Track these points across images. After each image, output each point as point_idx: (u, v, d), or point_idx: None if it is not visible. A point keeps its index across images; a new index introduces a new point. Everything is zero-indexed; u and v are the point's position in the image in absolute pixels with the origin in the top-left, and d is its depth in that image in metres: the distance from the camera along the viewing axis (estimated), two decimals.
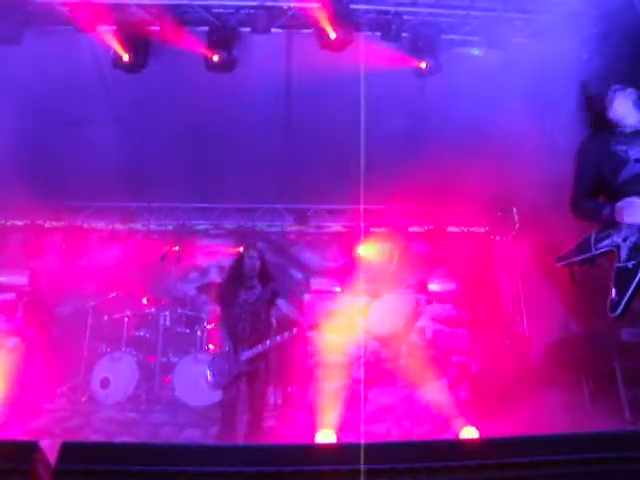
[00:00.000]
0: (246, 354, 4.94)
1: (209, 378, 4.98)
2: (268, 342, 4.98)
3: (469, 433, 6.72)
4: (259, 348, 4.95)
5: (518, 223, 8.74)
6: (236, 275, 5.29)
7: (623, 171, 3.30)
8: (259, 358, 5.01)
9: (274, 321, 5.32)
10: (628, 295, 3.06)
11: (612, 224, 3.25)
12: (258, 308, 5.13)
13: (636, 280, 3.06)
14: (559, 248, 3.60)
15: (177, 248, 8.40)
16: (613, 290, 3.14)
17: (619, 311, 3.09)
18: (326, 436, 6.47)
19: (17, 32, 5.42)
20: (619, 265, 3.17)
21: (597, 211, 3.35)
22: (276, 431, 6.67)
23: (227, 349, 5.03)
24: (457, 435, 6.96)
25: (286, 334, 5.01)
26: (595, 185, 3.46)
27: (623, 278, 3.12)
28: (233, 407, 4.89)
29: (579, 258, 3.43)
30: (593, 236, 3.36)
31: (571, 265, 3.50)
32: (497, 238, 9.08)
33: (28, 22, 5.48)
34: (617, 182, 3.32)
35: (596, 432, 2.07)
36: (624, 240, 3.18)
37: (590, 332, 6.21)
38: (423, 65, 5.77)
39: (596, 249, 3.32)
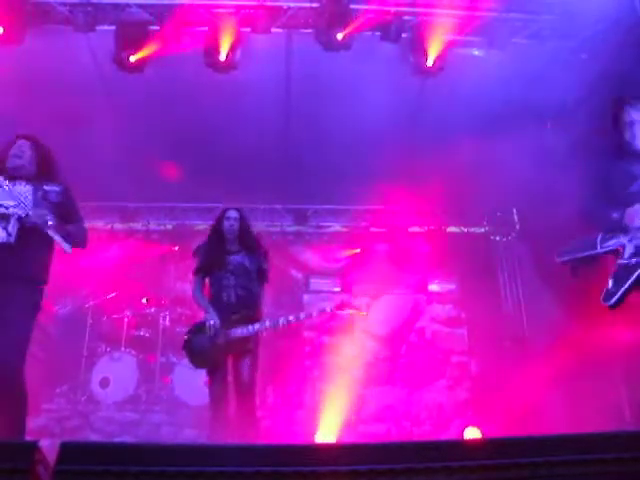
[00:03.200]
0: (239, 331, 4.47)
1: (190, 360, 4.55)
2: (268, 322, 4.51)
3: (472, 434, 6.72)
4: (256, 327, 4.47)
5: (518, 224, 8.74)
6: (217, 237, 4.85)
7: (633, 185, 3.35)
8: (250, 338, 4.54)
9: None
10: (624, 288, 3.14)
11: (620, 228, 3.30)
12: (246, 277, 4.67)
13: (635, 275, 3.13)
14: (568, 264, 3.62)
15: (176, 248, 8.41)
16: (610, 281, 3.22)
17: (613, 302, 3.17)
18: (325, 436, 6.47)
19: (18, 32, 5.42)
20: (620, 261, 3.24)
21: (605, 214, 3.39)
22: (275, 431, 6.67)
23: (209, 324, 4.49)
24: (458, 435, 6.96)
25: (302, 315, 4.61)
26: (602, 196, 3.50)
27: (622, 272, 3.20)
28: (223, 405, 4.49)
29: (583, 255, 3.47)
30: (600, 236, 3.40)
31: (573, 262, 3.53)
32: (497, 238, 9.08)
33: (28, 22, 5.48)
34: (626, 194, 3.36)
35: (596, 432, 2.07)
36: (630, 240, 3.25)
37: (590, 332, 6.21)
38: (430, 63, 5.74)
39: (602, 247, 3.37)
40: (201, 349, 4.52)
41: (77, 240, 3.77)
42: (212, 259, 4.75)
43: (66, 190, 3.76)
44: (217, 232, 4.88)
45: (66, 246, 3.52)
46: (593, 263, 3.48)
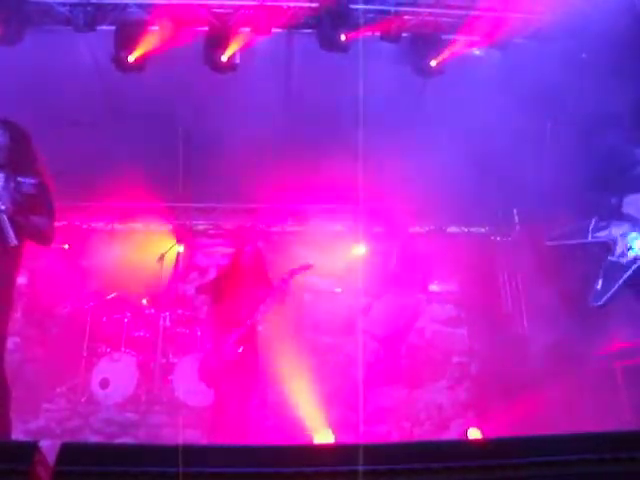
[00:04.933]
0: (232, 336, 4.79)
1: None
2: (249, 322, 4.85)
3: (473, 435, 6.72)
4: (243, 328, 4.81)
5: (518, 224, 8.74)
6: (230, 269, 5.21)
7: (633, 170, 3.30)
8: (247, 346, 4.86)
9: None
10: (614, 289, 3.08)
11: (616, 215, 3.25)
12: (249, 306, 4.97)
13: (625, 276, 3.08)
14: (558, 248, 3.59)
15: (177, 248, 8.41)
16: (600, 281, 3.16)
17: (601, 302, 3.11)
18: (325, 437, 6.47)
19: (17, 32, 5.42)
20: (611, 259, 3.18)
21: (602, 199, 3.34)
22: (276, 431, 6.67)
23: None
24: (458, 435, 6.97)
25: (268, 300, 4.89)
26: (600, 178, 3.46)
27: (612, 272, 3.14)
28: (224, 408, 4.73)
29: (573, 242, 3.44)
30: (592, 224, 3.35)
31: (562, 247, 3.50)
32: (497, 239, 9.08)
33: (28, 22, 5.48)
34: (625, 179, 3.31)
35: (596, 432, 2.07)
36: (622, 236, 3.19)
37: (590, 332, 6.21)
38: (430, 63, 5.74)
39: (593, 237, 3.33)
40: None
41: (38, 234, 3.55)
42: (222, 293, 5.09)
43: (41, 184, 3.58)
44: (231, 267, 5.29)
45: (11, 237, 3.31)
46: (582, 251, 3.44)
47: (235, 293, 4.98)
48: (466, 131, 6.12)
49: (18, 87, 5.74)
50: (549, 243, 3.55)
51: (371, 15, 5.72)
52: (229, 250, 8.58)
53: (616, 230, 3.25)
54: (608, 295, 3.12)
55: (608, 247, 3.25)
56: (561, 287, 6.03)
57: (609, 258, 3.20)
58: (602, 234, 3.32)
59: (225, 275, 5.25)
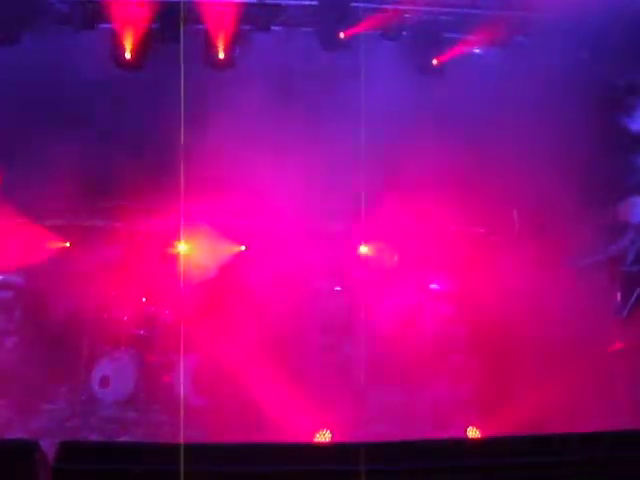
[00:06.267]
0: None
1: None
2: None
3: (473, 434, 6.72)
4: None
5: (518, 224, 8.73)
6: (226, 272, 5.27)
7: (629, 177, 3.32)
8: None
9: None
10: (633, 299, 3.09)
11: (618, 227, 3.28)
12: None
13: None
14: (558, 249, 3.60)
15: (177, 247, 8.41)
16: (618, 294, 3.17)
17: (624, 314, 3.13)
18: (324, 436, 6.47)
19: (17, 32, 5.42)
20: (624, 269, 3.20)
21: (601, 215, 3.38)
22: (277, 431, 6.67)
23: None
24: (458, 435, 6.96)
25: None
26: (596, 194, 3.49)
27: (628, 282, 3.16)
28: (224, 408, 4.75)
29: (590, 260, 3.45)
30: (602, 239, 3.37)
31: (578, 268, 3.51)
32: (497, 239, 9.06)
33: (28, 22, 5.49)
34: (622, 187, 3.34)
35: (596, 432, 2.07)
36: (632, 243, 3.21)
37: (590, 332, 6.21)
38: (431, 61, 5.75)
39: (604, 253, 3.35)
40: None
41: None
42: None
43: None
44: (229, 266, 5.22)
45: None
46: (597, 267, 3.46)
47: (230, 297, 4.96)
48: (466, 131, 6.12)
49: (18, 86, 5.74)
50: (565, 267, 3.57)
51: (371, 13, 5.72)
52: (229, 249, 8.59)
53: (625, 240, 3.29)
54: (629, 306, 3.16)
55: (618, 259, 3.29)
56: (561, 290, 6.03)
57: (621, 269, 3.24)
58: (614, 247, 3.36)
59: (222, 277, 5.21)
